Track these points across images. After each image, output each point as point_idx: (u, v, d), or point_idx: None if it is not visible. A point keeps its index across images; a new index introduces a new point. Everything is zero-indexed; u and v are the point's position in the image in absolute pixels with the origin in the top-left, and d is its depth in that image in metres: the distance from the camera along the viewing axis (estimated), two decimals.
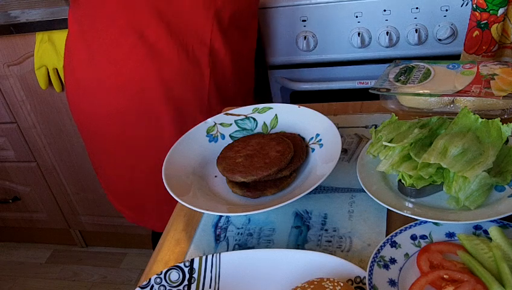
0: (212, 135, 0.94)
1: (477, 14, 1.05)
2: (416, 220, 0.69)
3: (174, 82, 1.12)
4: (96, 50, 1.12)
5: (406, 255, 0.66)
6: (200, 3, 1.09)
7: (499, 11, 1.02)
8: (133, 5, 1.07)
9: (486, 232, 0.67)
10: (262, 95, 1.45)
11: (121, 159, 1.23)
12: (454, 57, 1.22)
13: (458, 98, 0.88)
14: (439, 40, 1.34)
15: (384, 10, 1.34)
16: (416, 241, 0.67)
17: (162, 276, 0.69)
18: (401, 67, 0.98)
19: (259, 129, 0.95)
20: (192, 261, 0.70)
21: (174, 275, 0.69)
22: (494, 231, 0.64)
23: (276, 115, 0.95)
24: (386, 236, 0.71)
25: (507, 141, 0.74)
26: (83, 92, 1.18)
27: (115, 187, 1.32)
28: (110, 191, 1.36)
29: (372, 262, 0.64)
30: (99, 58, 1.12)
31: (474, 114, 0.77)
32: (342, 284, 0.59)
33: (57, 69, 1.61)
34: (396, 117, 0.84)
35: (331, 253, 0.70)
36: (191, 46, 1.10)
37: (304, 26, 1.42)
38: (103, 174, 1.33)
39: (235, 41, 1.18)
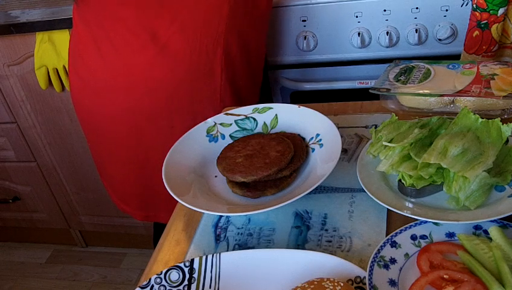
0: (212, 135, 0.94)
1: (477, 14, 1.05)
2: (416, 220, 0.69)
3: (185, 81, 1.11)
4: (106, 50, 1.11)
5: (406, 255, 0.66)
6: (214, 1, 1.08)
7: (499, 11, 1.03)
8: (145, 5, 1.06)
9: (486, 232, 0.67)
10: (262, 95, 1.45)
11: (127, 159, 1.22)
12: (454, 57, 1.22)
13: (458, 98, 0.88)
14: (439, 40, 1.34)
15: (384, 10, 1.34)
16: (416, 241, 0.67)
17: (162, 276, 0.69)
18: (401, 67, 0.98)
19: (259, 129, 0.95)
20: (192, 261, 0.70)
21: (174, 275, 0.69)
22: (494, 231, 0.64)
23: (276, 115, 0.95)
24: (386, 236, 0.71)
25: (507, 141, 0.74)
26: (89, 92, 1.17)
27: (120, 187, 1.31)
28: (114, 192, 1.35)
29: (372, 262, 0.64)
30: (108, 58, 1.11)
31: (474, 114, 0.77)
32: (342, 284, 0.59)
33: (57, 69, 1.61)
34: (396, 117, 0.84)
35: (331, 253, 0.70)
36: (204, 44, 1.10)
37: (304, 26, 1.42)
38: (107, 175, 1.32)
39: (248, 39, 1.18)
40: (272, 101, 1.52)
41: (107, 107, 1.16)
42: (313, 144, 0.88)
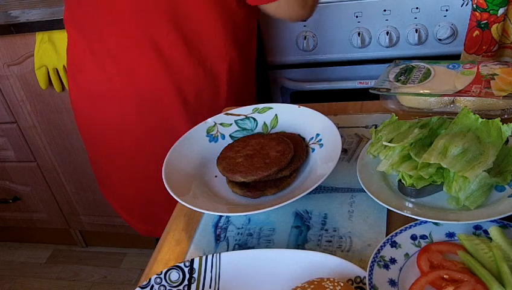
0: (212, 135, 0.94)
1: (477, 14, 1.05)
2: (416, 220, 0.69)
3: (191, 96, 1.09)
4: (104, 59, 1.08)
5: (406, 255, 0.66)
6: (219, 22, 1.05)
7: (499, 11, 1.03)
8: (149, 15, 1.03)
9: (486, 232, 0.67)
10: (262, 95, 1.45)
11: (128, 169, 1.20)
12: (454, 57, 1.22)
13: (458, 98, 0.88)
14: (439, 40, 1.34)
15: (384, 10, 1.34)
16: (416, 241, 0.67)
17: (162, 276, 0.69)
18: (401, 67, 0.98)
19: (259, 129, 0.95)
20: (192, 261, 0.70)
21: (174, 275, 0.69)
22: (494, 231, 0.64)
23: (276, 115, 0.95)
24: (386, 236, 0.71)
25: (507, 141, 0.74)
26: (89, 101, 1.15)
27: (122, 197, 1.29)
28: (116, 201, 1.32)
29: (372, 262, 0.64)
30: (106, 66, 1.08)
31: (474, 114, 0.77)
32: (342, 284, 0.59)
33: (57, 69, 1.61)
34: (397, 117, 0.84)
35: (331, 253, 0.70)
36: (209, 62, 1.08)
37: (304, 26, 1.42)
38: (108, 185, 1.30)
39: (248, 52, 1.18)
40: (271, 101, 1.52)
41: (106, 116, 1.14)
42: (313, 144, 0.88)
